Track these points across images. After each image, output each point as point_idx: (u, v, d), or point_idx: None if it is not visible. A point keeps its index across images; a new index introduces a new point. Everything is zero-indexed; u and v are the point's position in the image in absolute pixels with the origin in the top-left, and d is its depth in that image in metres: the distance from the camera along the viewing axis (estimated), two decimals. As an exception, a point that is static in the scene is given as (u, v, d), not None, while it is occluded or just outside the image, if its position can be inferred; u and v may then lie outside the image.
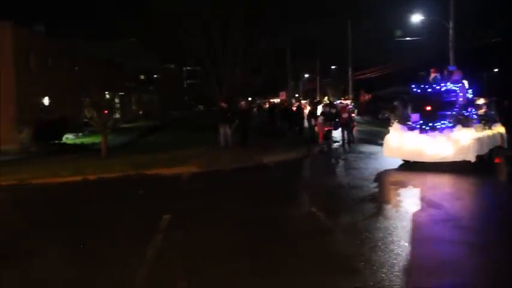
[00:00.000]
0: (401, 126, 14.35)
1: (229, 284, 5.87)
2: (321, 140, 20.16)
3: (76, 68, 36.31)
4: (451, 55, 27.57)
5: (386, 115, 23.84)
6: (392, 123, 14.95)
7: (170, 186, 13.30)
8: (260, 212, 9.53)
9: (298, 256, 6.78)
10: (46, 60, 32.24)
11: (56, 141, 29.10)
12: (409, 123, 14.28)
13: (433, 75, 14.82)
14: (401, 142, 14.08)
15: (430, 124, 13.71)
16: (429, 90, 14.46)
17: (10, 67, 27.34)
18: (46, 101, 32.37)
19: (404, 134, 14.07)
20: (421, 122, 13.91)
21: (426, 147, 13.44)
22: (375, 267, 6.06)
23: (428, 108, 14.02)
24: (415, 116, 14.20)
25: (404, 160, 14.50)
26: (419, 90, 14.67)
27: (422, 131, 13.75)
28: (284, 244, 7.35)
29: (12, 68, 27.48)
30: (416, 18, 32.06)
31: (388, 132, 14.90)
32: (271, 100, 56.63)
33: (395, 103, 15.78)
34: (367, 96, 52.97)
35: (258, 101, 64.73)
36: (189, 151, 19.10)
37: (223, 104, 21.17)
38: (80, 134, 33.44)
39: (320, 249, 7.05)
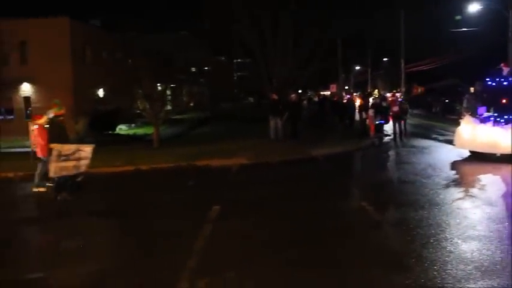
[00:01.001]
0: (474, 118, 14.55)
1: (277, 276, 5.87)
2: (372, 133, 19.86)
3: (129, 60, 37.13)
4: (510, 46, 26.40)
5: (457, 108, 23.82)
6: (464, 115, 15.19)
7: (220, 178, 13.46)
8: (308, 204, 9.51)
9: (346, 250, 6.72)
10: (101, 53, 33.18)
11: (110, 132, 29.99)
12: (478, 116, 14.46)
13: (505, 69, 14.86)
14: (474, 134, 14.24)
15: (506, 117, 13.78)
16: (505, 83, 14.52)
17: (68, 60, 28.34)
18: (101, 92, 33.33)
19: (477, 126, 14.23)
20: (495, 114, 14.04)
21: (501, 139, 13.47)
22: (426, 264, 5.92)
23: (504, 101, 14.16)
24: (481, 109, 14.40)
25: (471, 152, 14.50)
26: (494, 84, 14.75)
27: (495, 123, 13.85)
28: (333, 238, 7.30)
29: (70, 61, 28.47)
30: (474, 7, 30.87)
31: (459, 124, 15.10)
32: (321, 93, 56.11)
33: (467, 96, 15.82)
34: (420, 89, 51.69)
35: (308, 94, 64.34)
36: (239, 143, 19.24)
37: (274, 96, 21.14)
38: (133, 125, 34.25)
39: (369, 244, 6.96)
